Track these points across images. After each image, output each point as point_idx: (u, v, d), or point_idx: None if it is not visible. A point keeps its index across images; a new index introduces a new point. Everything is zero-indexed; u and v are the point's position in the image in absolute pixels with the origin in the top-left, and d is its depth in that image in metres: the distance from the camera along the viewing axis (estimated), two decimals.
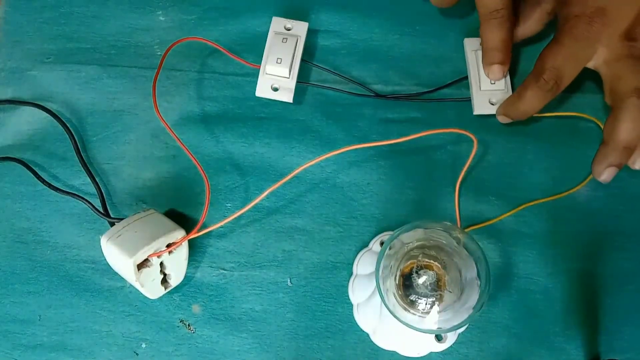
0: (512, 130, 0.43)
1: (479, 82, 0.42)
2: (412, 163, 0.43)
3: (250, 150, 0.43)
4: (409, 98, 0.44)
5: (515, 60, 0.44)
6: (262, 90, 0.42)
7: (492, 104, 0.42)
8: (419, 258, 0.33)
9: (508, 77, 0.42)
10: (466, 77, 0.43)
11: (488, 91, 0.42)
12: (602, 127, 0.41)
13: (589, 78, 0.43)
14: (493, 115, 0.42)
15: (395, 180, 0.42)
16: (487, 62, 0.41)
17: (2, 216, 0.42)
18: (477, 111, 0.42)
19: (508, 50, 0.41)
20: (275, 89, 0.42)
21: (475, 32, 0.44)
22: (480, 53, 0.42)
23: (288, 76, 0.42)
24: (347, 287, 0.41)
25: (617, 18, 0.38)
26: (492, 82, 0.42)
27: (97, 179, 0.41)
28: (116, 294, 0.41)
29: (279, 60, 0.41)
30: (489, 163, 0.43)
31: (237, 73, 0.44)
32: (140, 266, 0.37)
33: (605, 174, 0.39)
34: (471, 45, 0.43)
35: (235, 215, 0.37)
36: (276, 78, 0.42)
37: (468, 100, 0.43)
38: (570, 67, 0.39)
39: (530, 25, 0.42)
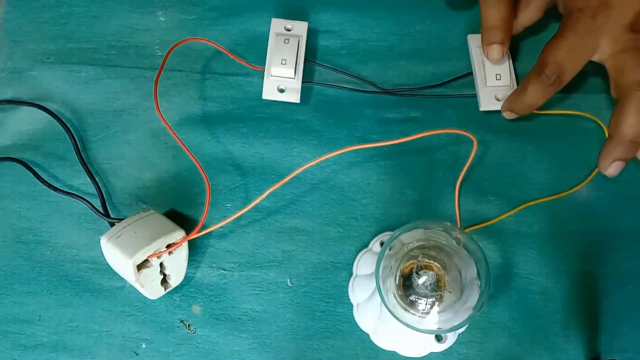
0: (512, 130, 0.43)
1: (485, 78, 0.42)
2: (412, 163, 0.43)
3: (250, 151, 0.43)
4: (414, 94, 0.43)
5: (525, 55, 0.44)
6: (269, 92, 0.42)
7: (498, 100, 0.42)
8: (419, 258, 0.33)
9: (513, 74, 0.42)
10: (469, 74, 0.43)
11: (493, 87, 0.42)
12: (603, 126, 0.41)
13: (590, 78, 0.44)
14: (494, 115, 0.42)
15: (395, 180, 0.42)
16: (486, 42, 0.41)
17: (2, 216, 0.42)
18: (483, 107, 0.42)
19: (508, 29, 0.40)
20: (282, 91, 0.42)
21: (477, 30, 0.44)
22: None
23: (294, 77, 0.42)
24: (347, 287, 0.41)
25: (622, 10, 0.37)
26: (496, 72, 0.42)
27: (97, 179, 0.41)
28: (116, 294, 0.41)
29: (283, 62, 0.41)
30: (489, 163, 0.43)
31: (238, 73, 0.44)
32: (140, 266, 0.37)
33: (611, 169, 0.39)
34: (475, 42, 0.43)
35: (236, 215, 0.38)
36: (282, 79, 0.42)
37: (470, 98, 0.43)
38: (572, 61, 0.38)
39: (530, 12, 0.41)
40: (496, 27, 0.40)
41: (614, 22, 0.38)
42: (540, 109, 0.42)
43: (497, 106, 0.42)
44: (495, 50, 0.41)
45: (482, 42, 0.41)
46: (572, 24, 0.38)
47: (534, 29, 0.43)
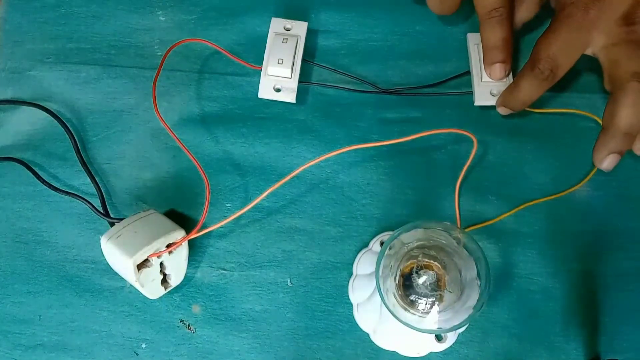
0: (512, 130, 0.43)
1: (480, 74, 0.42)
2: (412, 163, 0.43)
3: (250, 151, 0.43)
4: (412, 93, 0.44)
5: (520, 51, 0.44)
6: (265, 91, 0.42)
7: (493, 96, 0.42)
8: (419, 258, 0.33)
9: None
10: (468, 72, 0.43)
11: (489, 83, 0.42)
12: (602, 125, 0.41)
13: (590, 76, 0.44)
14: (493, 114, 0.42)
15: (395, 180, 0.42)
16: (488, 62, 0.41)
17: (2, 216, 0.42)
18: (477, 102, 0.42)
19: (509, 48, 0.40)
20: (278, 90, 0.42)
21: (475, 30, 0.44)
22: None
23: (290, 76, 0.42)
24: (347, 287, 0.41)
25: (614, 3, 0.37)
26: (494, 81, 0.42)
27: (97, 179, 0.41)
28: (116, 294, 0.41)
29: (280, 61, 0.41)
30: (489, 163, 0.43)
31: (237, 73, 0.44)
32: (140, 266, 0.37)
33: (607, 162, 0.38)
34: (474, 40, 0.43)
35: (235, 215, 0.37)
36: (278, 79, 0.42)
37: (469, 94, 0.43)
38: (565, 55, 0.38)
39: (525, 8, 0.41)
40: (497, 48, 0.40)
41: (606, 15, 0.37)
42: (540, 107, 0.42)
43: (491, 101, 0.42)
44: (498, 69, 0.41)
45: (484, 62, 0.41)
46: (565, 18, 0.38)
47: (528, 24, 0.43)
